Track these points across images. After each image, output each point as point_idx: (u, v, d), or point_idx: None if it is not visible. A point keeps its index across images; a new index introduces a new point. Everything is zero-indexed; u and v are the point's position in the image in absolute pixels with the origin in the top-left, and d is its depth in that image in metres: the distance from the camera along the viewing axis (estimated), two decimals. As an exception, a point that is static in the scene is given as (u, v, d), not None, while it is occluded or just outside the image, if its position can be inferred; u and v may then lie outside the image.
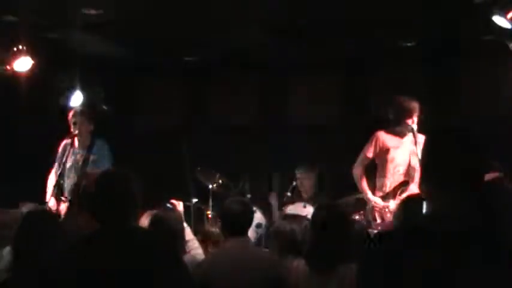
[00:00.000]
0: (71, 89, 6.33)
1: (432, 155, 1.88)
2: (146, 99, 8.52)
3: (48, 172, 5.75)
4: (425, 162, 1.91)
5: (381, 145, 5.54)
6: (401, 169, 5.51)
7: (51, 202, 5.38)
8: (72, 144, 5.69)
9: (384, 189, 5.54)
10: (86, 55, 6.86)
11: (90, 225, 2.78)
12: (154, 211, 4.05)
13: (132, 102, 8.44)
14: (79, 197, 3.69)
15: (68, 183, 5.57)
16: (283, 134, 7.93)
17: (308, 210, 6.46)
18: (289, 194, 6.81)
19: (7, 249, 3.38)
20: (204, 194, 6.71)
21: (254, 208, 6.39)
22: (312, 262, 3.46)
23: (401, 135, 5.53)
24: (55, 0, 5.41)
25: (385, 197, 5.49)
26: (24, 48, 5.86)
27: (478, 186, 1.84)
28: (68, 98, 6.23)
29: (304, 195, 6.84)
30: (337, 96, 8.01)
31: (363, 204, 5.76)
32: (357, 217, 5.72)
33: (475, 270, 1.71)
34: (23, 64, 5.98)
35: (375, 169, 5.70)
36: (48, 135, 6.23)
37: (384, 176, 5.57)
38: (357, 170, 5.64)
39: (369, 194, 5.57)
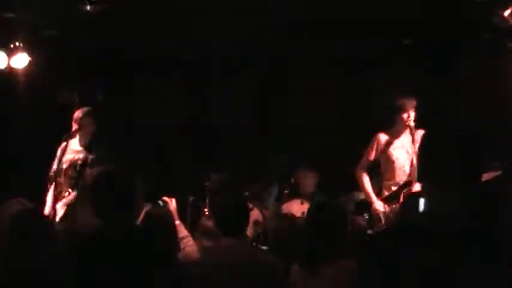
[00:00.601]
0: (68, 87, 6.33)
1: (431, 154, 1.87)
2: (146, 99, 8.52)
3: (47, 174, 5.71)
4: (423, 161, 1.89)
5: (381, 147, 5.58)
6: (407, 169, 5.52)
7: (48, 201, 5.37)
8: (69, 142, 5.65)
9: (389, 189, 5.56)
10: (85, 54, 6.87)
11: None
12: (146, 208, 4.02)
13: (131, 102, 8.44)
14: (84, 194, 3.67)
15: (64, 181, 5.54)
16: (283, 134, 7.94)
17: (305, 207, 6.49)
18: (286, 191, 6.84)
19: None
20: (202, 193, 6.71)
21: (251, 206, 6.43)
22: (308, 261, 3.44)
23: (400, 134, 5.54)
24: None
25: (390, 198, 5.51)
26: (21, 45, 5.84)
27: (477, 185, 1.82)
28: (65, 96, 6.22)
29: (302, 194, 6.86)
30: (336, 96, 8.00)
31: (364, 205, 5.78)
32: (359, 219, 5.75)
33: (474, 269, 1.71)
34: (20, 61, 5.97)
35: (380, 170, 5.73)
36: (46, 133, 6.22)
37: (388, 176, 5.62)
38: (360, 173, 5.70)
39: (373, 198, 5.61)
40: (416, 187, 5.18)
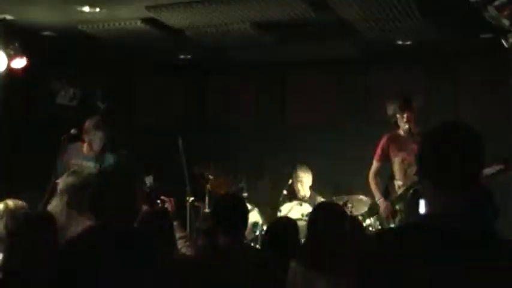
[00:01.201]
0: (67, 88, 6.33)
1: (431, 154, 1.86)
2: (145, 98, 8.52)
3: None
4: (424, 161, 1.89)
5: (386, 149, 5.63)
6: (414, 169, 5.53)
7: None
8: (80, 149, 5.78)
9: (398, 190, 5.59)
10: (84, 53, 6.86)
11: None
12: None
13: (131, 101, 8.43)
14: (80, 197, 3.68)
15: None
16: (282, 133, 7.93)
17: (304, 209, 6.49)
18: (285, 192, 6.84)
19: None
20: (201, 193, 6.71)
21: (251, 207, 6.42)
22: (309, 261, 3.44)
23: (403, 135, 5.55)
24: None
25: (398, 199, 5.54)
26: (19, 46, 5.85)
27: (477, 185, 1.82)
28: (63, 97, 6.22)
29: (301, 194, 6.86)
30: (336, 96, 8.00)
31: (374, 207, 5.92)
32: (368, 221, 5.84)
33: (474, 269, 1.69)
34: (18, 62, 5.97)
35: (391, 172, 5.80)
36: (43, 134, 6.21)
37: (397, 177, 5.63)
38: (370, 176, 5.83)
39: (377, 199, 5.74)
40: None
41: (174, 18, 5.87)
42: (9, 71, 6.01)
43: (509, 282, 1.70)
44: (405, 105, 5.46)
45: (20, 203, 3.90)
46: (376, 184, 5.76)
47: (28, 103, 6.87)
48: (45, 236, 3.11)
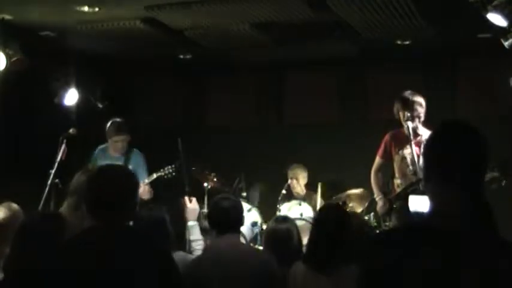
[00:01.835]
0: (66, 88, 6.31)
1: (433, 154, 1.86)
2: (144, 98, 8.51)
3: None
4: (426, 160, 1.88)
5: (389, 147, 5.65)
6: (413, 169, 5.53)
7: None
8: (107, 150, 5.99)
9: (397, 189, 5.60)
10: (83, 53, 6.85)
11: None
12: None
13: (130, 101, 8.42)
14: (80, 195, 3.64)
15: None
16: (281, 133, 7.93)
17: (303, 208, 6.49)
18: (284, 191, 6.84)
19: None
20: (200, 193, 6.69)
21: (250, 207, 6.42)
22: (314, 263, 3.44)
23: (406, 134, 5.55)
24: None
25: (397, 198, 5.53)
26: (18, 46, 5.83)
27: (479, 184, 1.81)
28: (63, 97, 6.21)
29: (300, 194, 6.86)
30: (336, 96, 8.00)
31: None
32: (365, 217, 5.85)
33: (476, 269, 1.68)
34: (18, 62, 5.95)
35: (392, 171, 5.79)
36: (43, 134, 6.20)
37: (397, 176, 5.64)
38: (372, 172, 5.82)
39: (375, 196, 5.72)
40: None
41: (173, 19, 5.88)
42: (8, 71, 5.99)
43: (509, 283, 1.69)
44: (406, 105, 5.45)
45: (13, 206, 3.83)
46: (377, 181, 5.76)
47: (27, 103, 6.86)
48: (56, 237, 3.08)
